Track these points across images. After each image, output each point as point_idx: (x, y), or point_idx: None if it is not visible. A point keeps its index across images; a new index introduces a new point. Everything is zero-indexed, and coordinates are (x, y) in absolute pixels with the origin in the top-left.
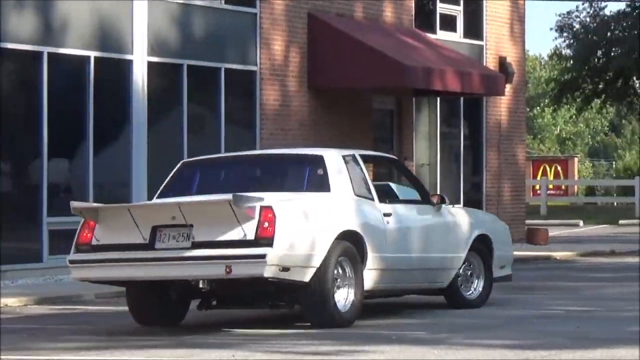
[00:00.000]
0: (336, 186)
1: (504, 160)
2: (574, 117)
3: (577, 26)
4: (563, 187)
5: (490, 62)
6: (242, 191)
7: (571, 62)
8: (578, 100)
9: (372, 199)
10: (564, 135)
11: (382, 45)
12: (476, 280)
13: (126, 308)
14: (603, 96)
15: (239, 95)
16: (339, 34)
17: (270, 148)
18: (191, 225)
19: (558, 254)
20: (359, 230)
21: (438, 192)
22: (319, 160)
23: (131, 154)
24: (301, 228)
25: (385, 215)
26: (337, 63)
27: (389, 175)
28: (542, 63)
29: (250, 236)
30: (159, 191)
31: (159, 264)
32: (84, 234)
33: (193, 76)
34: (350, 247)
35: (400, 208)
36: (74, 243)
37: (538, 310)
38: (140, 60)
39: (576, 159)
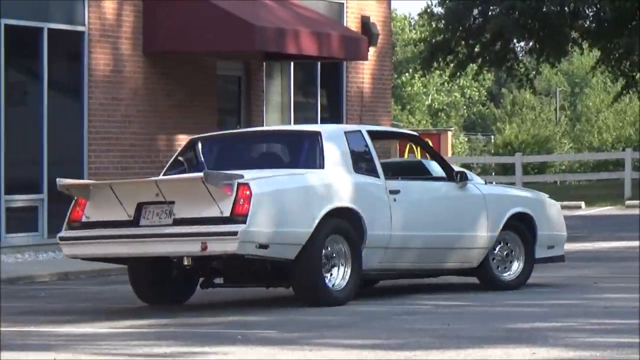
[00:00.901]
0: (331, 163)
1: None
2: (447, 84)
3: None
4: None
5: (351, 22)
6: (244, 168)
7: (443, 21)
8: (451, 65)
9: (377, 176)
10: (436, 106)
11: (229, 3)
12: (515, 261)
13: None
14: (479, 60)
15: (64, 60)
16: None
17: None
18: (172, 202)
19: None
20: (354, 207)
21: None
22: (316, 137)
23: None
24: (282, 205)
25: (392, 192)
26: (177, 24)
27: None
28: (412, 23)
29: (227, 213)
30: (165, 167)
31: (142, 241)
32: (76, 211)
33: (11, 37)
34: (345, 224)
35: (413, 185)
36: (66, 220)
37: (403, 306)
38: None
39: (450, 133)
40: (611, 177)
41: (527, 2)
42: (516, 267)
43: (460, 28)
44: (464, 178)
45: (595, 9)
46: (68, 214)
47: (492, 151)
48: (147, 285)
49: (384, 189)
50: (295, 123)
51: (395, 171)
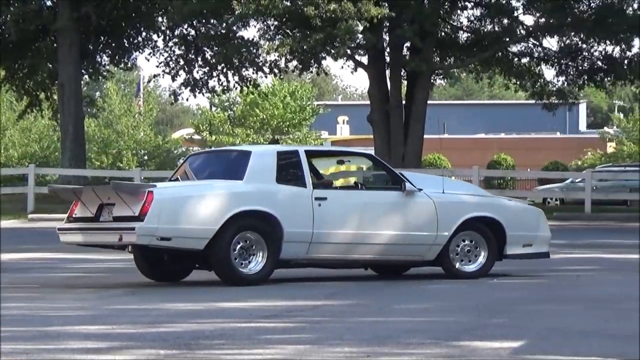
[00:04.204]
0: (251, 176)
1: None
2: None
3: None
4: None
5: None
6: (202, 178)
7: None
8: None
9: (304, 186)
10: None
11: None
12: (479, 256)
13: None
14: None
15: None
16: None
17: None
18: (113, 204)
19: None
20: (268, 209)
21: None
22: (246, 155)
23: None
24: (185, 207)
25: (318, 199)
26: None
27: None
28: None
29: (137, 213)
30: (170, 176)
31: (96, 233)
32: (72, 209)
33: None
34: (259, 222)
35: (344, 193)
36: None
37: None
38: None
39: None
40: (15, 192)
41: None
42: (479, 261)
43: None
44: (404, 188)
45: (0, 30)
46: (68, 211)
47: None
48: (146, 265)
49: (309, 196)
50: None
51: (372, 182)
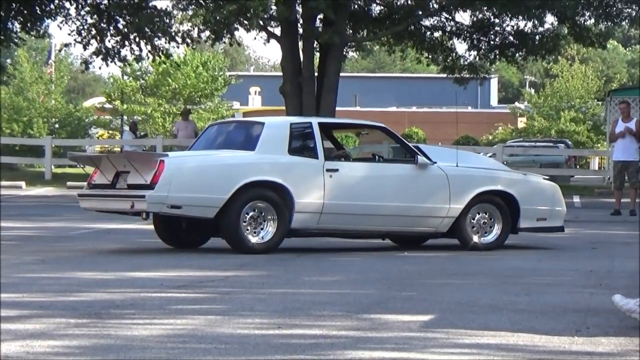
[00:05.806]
0: (263, 147)
1: None
2: None
3: None
4: None
5: None
6: (217, 148)
7: None
8: None
9: (316, 157)
10: None
11: None
12: (494, 228)
13: None
14: None
15: None
16: None
17: None
18: (128, 172)
19: None
20: (278, 180)
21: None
22: (260, 126)
23: None
24: (195, 177)
25: (329, 170)
26: None
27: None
28: None
29: (149, 181)
30: (190, 145)
31: (111, 200)
32: (92, 176)
33: None
34: (270, 193)
35: (355, 165)
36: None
37: None
38: None
39: None
40: None
41: None
42: (494, 232)
43: None
44: (417, 161)
45: None
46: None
47: None
48: (165, 231)
49: (321, 167)
50: None
51: (387, 154)
